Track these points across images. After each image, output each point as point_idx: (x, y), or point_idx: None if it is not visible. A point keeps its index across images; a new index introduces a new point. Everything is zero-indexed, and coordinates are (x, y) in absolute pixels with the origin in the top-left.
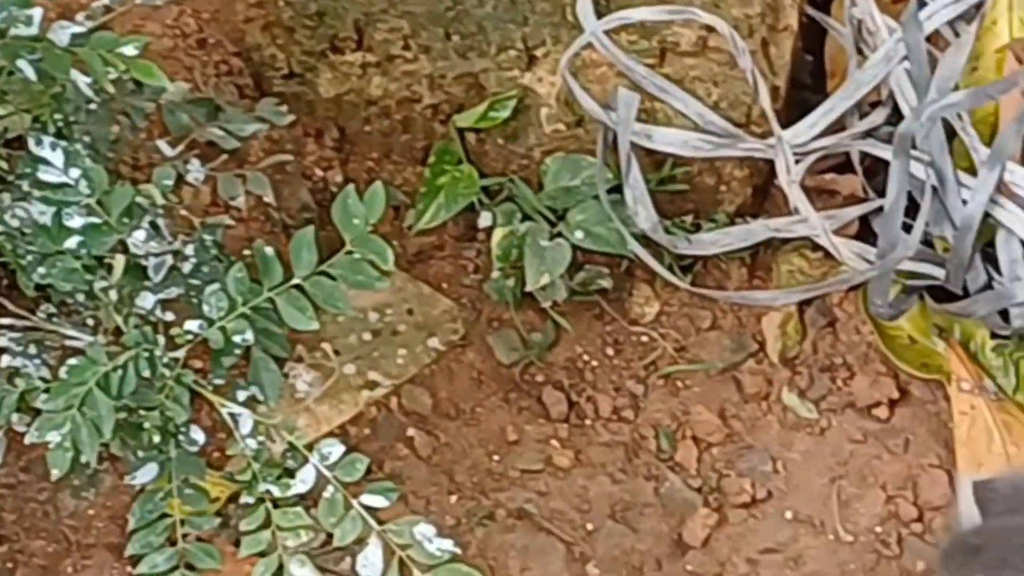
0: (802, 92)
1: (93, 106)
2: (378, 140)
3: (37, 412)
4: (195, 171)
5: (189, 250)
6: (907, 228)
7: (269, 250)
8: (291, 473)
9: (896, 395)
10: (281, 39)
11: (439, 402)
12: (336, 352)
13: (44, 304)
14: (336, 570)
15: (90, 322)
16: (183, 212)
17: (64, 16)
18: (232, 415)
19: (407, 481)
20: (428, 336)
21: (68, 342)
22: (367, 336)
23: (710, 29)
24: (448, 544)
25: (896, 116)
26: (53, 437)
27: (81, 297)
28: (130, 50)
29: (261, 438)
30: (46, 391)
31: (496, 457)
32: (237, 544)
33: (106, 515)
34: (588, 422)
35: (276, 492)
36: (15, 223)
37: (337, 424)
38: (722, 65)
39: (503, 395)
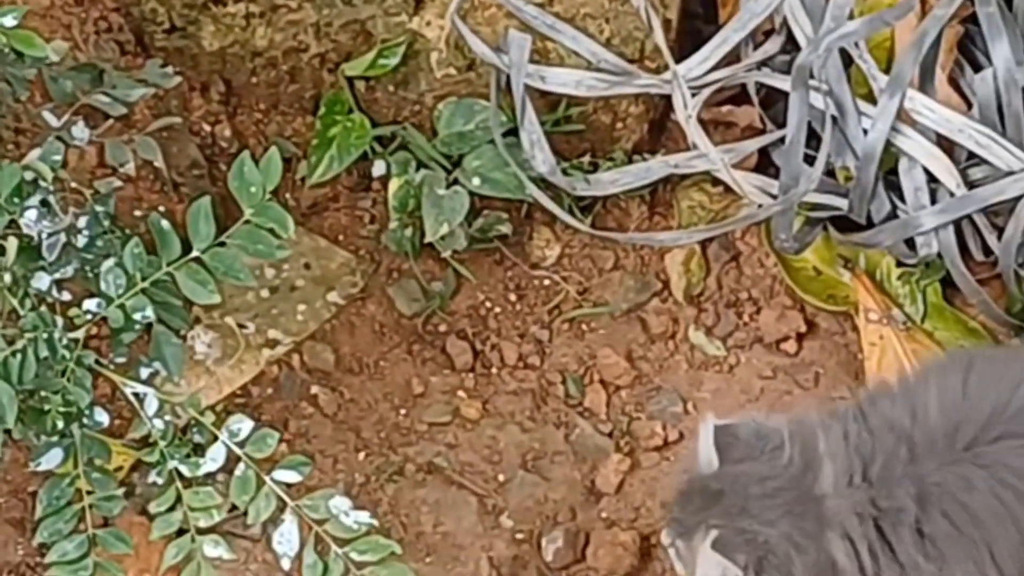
0: (694, 22)
1: None
2: (265, 92)
3: None
4: (79, 136)
5: (81, 222)
6: (808, 160)
7: (165, 223)
8: (200, 450)
9: (804, 328)
10: None
11: (342, 357)
12: (234, 311)
13: None
14: (251, 548)
15: None
16: (73, 184)
17: None
18: (136, 395)
19: (313, 440)
20: (327, 290)
21: None
22: (264, 293)
23: None
24: (364, 516)
25: (791, 45)
26: None
27: None
28: (9, 20)
29: (168, 417)
30: None
31: (403, 411)
32: (143, 513)
33: (7, 490)
34: (494, 371)
35: (185, 471)
36: None
37: (239, 385)
38: (613, 1)
39: (407, 347)
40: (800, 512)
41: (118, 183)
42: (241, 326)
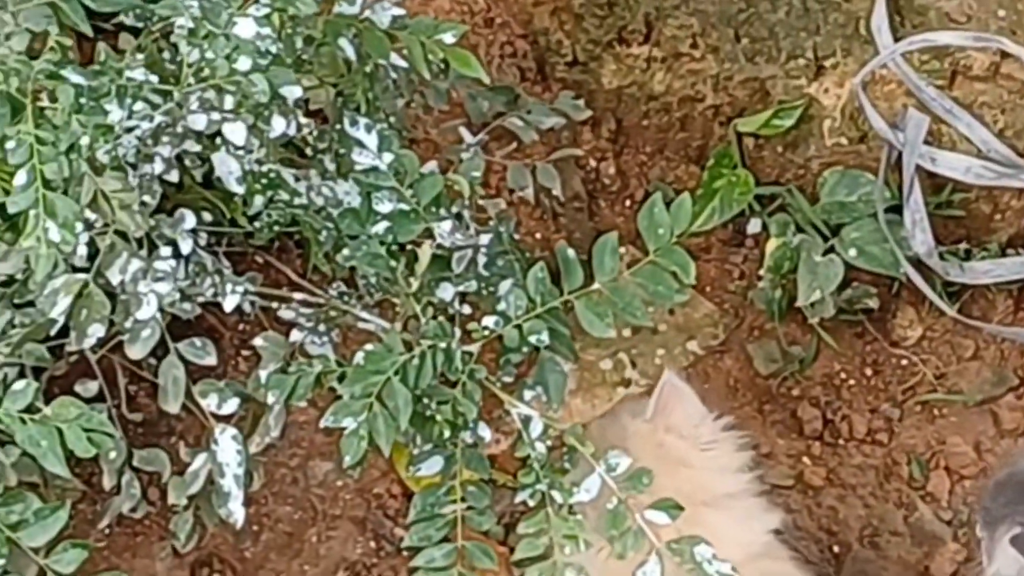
0: None
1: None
2: (654, 135)
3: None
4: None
5: (483, 239)
6: None
7: (571, 252)
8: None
9: None
10: (568, 25)
11: None
12: (595, 346)
13: (334, 283)
14: None
15: (373, 304)
16: (480, 202)
17: None
18: (521, 415)
19: None
20: (688, 339)
21: (357, 324)
22: (627, 333)
23: (1004, 54)
24: (726, 568)
25: None
26: (349, 424)
27: (373, 280)
28: (448, 38)
29: (550, 442)
30: (341, 376)
31: None
32: (501, 541)
33: (354, 487)
34: (841, 441)
35: (558, 498)
36: (320, 201)
37: (590, 418)
38: (1012, 93)
39: (758, 406)
40: None
41: (502, 204)
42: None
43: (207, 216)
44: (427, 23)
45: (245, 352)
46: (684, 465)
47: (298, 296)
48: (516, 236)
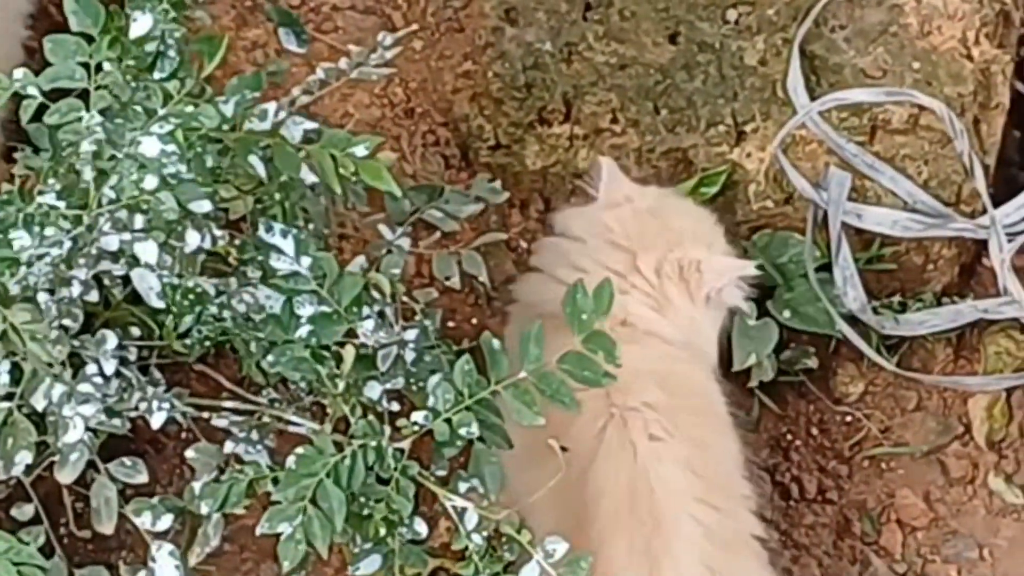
0: (1010, 169)
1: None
2: None
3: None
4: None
5: (410, 335)
6: None
7: (496, 343)
8: (509, 568)
9: None
10: (489, 110)
11: None
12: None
13: (265, 389)
14: None
15: (307, 406)
16: (404, 298)
17: (280, 89)
18: (455, 508)
19: None
20: None
21: (290, 428)
22: None
23: (921, 107)
24: None
25: None
26: (284, 528)
27: (304, 384)
28: (361, 150)
29: (486, 533)
30: (275, 480)
31: None
32: None
33: None
34: (792, 503)
35: None
36: (241, 308)
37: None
38: (933, 144)
39: None
40: None
41: (434, 293)
42: None
43: (136, 331)
44: (340, 137)
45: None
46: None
47: (229, 404)
48: (451, 324)
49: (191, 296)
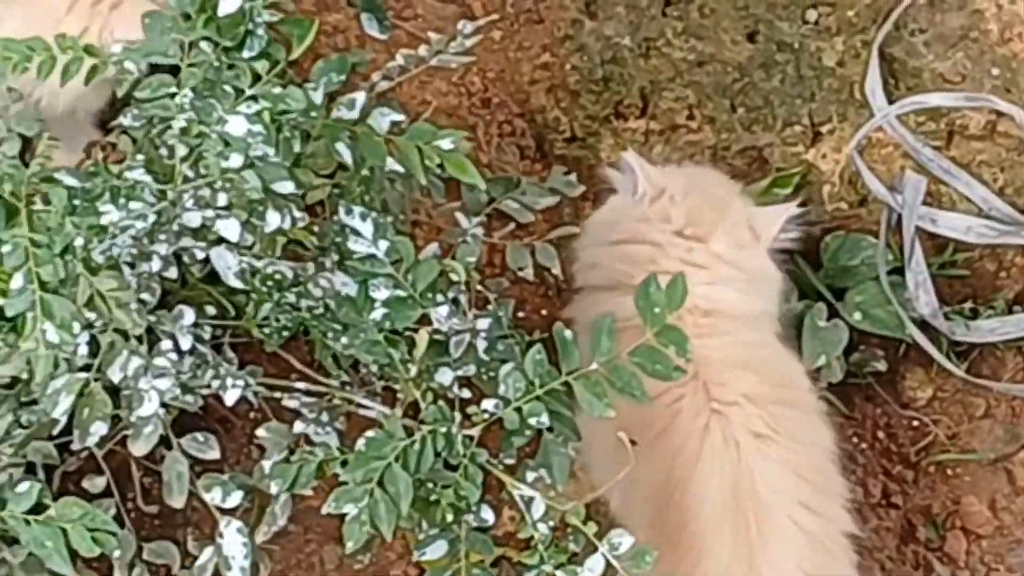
0: None
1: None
2: None
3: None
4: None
5: (482, 324)
6: None
7: (568, 333)
8: (574, 559)
9: None
10: (565, 102)
11: None
12: None
13: (336, 371)
14: None
15: (378, 390)
16: (479, 287)
17: (358, 75)
18: (523, 497)
19: None
20: None
21: (360, 411)
22: None
23: (999, 113)
24: None
25: None
26: (350, 510)
27: (375, 368)
28: (447, 143)
29: (552, 523)
30: (343, 462)
31: None
32: None
33: (371, 570)
34: (857, 506)
35: None
36: (318, 292)
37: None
38: (1010, 151)
39: None
40: None
41: (505, 283)
42: None
43: (211, 310)
44: (426, 129)
45: (257, 441)
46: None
47: (302, 385)
48: (521, 314)
49: (270, 282)
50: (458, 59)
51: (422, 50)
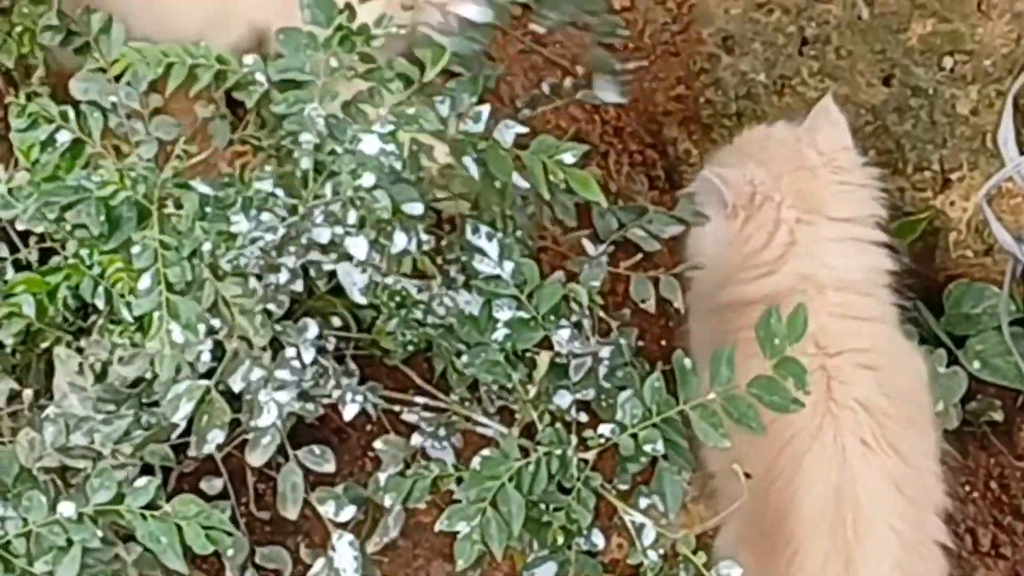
0: None
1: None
2: None
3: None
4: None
5: (604, 351)
6: None
7: (687, 361)
8: None
9: None
10: (697, 135)
11: None
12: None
13: (456, 390)
14: None
15: (495, 411)
16: (600, 314)
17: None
18: (634, 523)
19: None
20: None
21: (476, 428)
22: None
23: None
24: None
25: None
26: (462, 527)
27: (494, 388)
28: (568, 157)
29: (662, 551)
30: (458, 480)
31: None
32: None
33: None
34: (964, 554)
35: None
36: (441, 311)
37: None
38: None
39: None
40: None
41: (627, 314)
42: None
43: (336, 321)
44: (548, 143)
45: (372, 452)
46: (812, 175)
47: (421, 400)
48: (640, 343)
49: (396, 298)
50: (602, 97)
51: (567, 83)
